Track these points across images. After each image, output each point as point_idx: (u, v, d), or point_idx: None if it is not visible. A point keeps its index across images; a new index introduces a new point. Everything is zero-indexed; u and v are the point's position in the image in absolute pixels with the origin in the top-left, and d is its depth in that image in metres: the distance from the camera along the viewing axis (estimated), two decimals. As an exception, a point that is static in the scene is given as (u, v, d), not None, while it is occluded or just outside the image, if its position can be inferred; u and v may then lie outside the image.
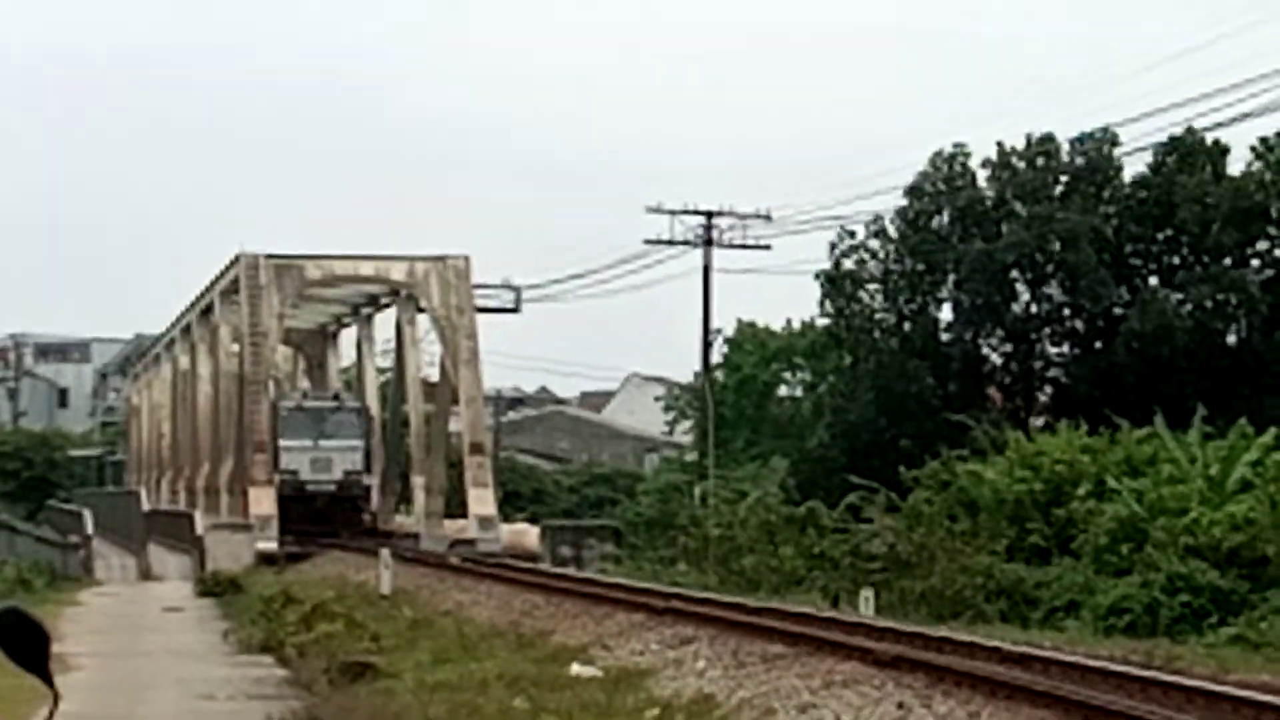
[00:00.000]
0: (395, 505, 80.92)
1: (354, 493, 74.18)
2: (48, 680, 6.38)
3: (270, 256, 74.73)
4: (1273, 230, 71.53)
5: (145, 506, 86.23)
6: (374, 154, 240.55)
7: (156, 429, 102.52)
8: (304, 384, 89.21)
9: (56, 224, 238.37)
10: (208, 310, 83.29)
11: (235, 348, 77.78)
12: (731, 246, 77.72)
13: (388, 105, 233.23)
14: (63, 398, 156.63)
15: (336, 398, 78.97)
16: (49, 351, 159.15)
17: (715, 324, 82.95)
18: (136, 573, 69.08)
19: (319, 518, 71.30)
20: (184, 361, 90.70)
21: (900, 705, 23.20)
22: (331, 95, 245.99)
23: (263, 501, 69.68)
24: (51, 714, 6.33)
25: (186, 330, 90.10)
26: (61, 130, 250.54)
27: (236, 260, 75.69)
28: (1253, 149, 71.71)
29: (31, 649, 6.38)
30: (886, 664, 26.29)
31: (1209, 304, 70.26)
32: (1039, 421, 66.75)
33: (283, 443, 72.76)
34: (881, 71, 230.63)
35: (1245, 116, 79.65)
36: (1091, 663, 26.64)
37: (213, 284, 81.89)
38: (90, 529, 73.39)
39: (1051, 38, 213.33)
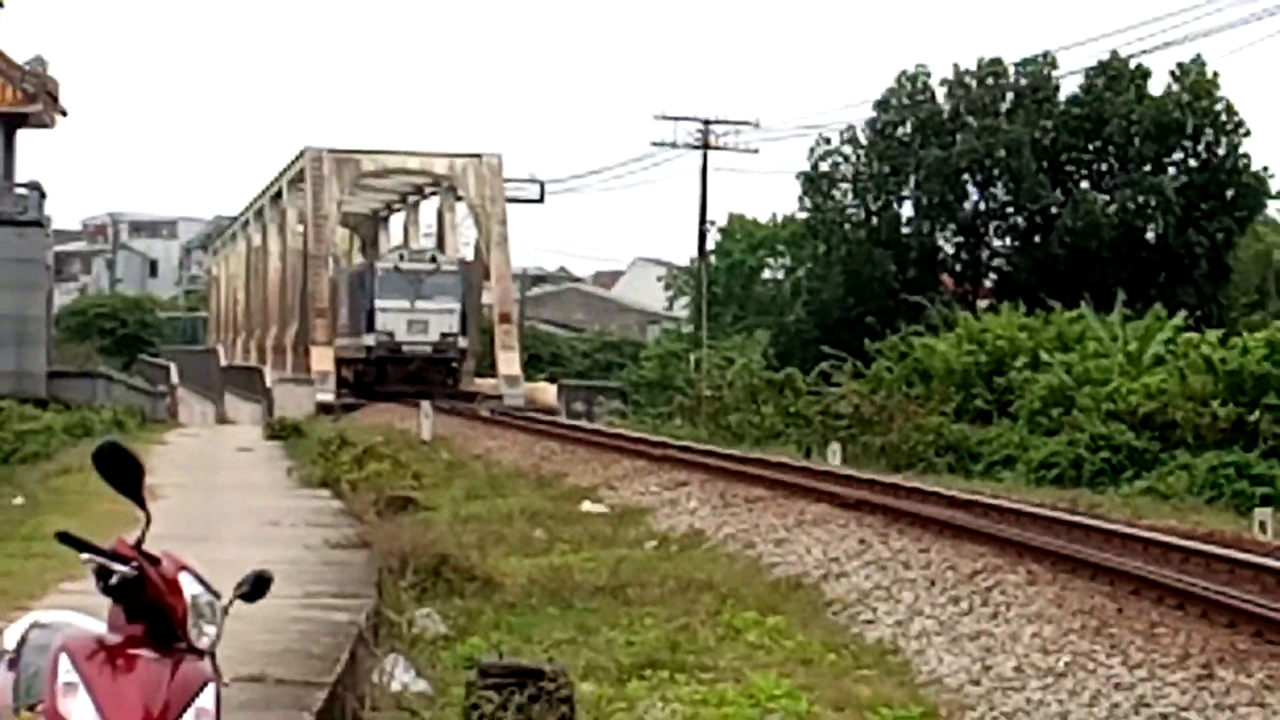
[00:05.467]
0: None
1: (449, 355, 68.39)
2: (141, 504, 6.36)
3: (332, 151, 74.52)
4: (1187, 143, 71.41)
5: (223, 362, 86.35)
6: (425, 65, 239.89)
7: (233, 296, 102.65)
8: (359, 259, 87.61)
9: (148, 114, 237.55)
10: (278, 196, 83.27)
11: (300, 228, 77.49)
12: (724, 149, 77.23)
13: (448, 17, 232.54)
14: (153, 268, 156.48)
15: (433, 260, 71.45)
16: (141, 228, 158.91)
17: (710, 216, 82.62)
18: (214, 418, 69.15)
19: (414, 379, 65.73)
20: (256, 239, 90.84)
21: (861, 541, 23.28)
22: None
23: (322, 359, 69.37)
24: (143, 533, 6.32)
25: (259, 213, 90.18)
26: (154, 31, 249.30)
27: (303, 153, 75.56)
28: (1171, 73, 71.74)
29: (128, 478, 6.35)
30: (850, 506, 26.38)
31: (1131, 205, 70.19)
32: (984, 303, 66.78)
33: (379, 304, 67.47)
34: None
35: (1166, 45, 79.72)
36: (1024, 508, 26.73)
37: (282, 173, 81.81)
38: (176, 380, 73.46)
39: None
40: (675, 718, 13.79)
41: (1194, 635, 15.93)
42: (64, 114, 68.32)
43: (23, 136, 68.12)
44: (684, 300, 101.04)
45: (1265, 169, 72.88)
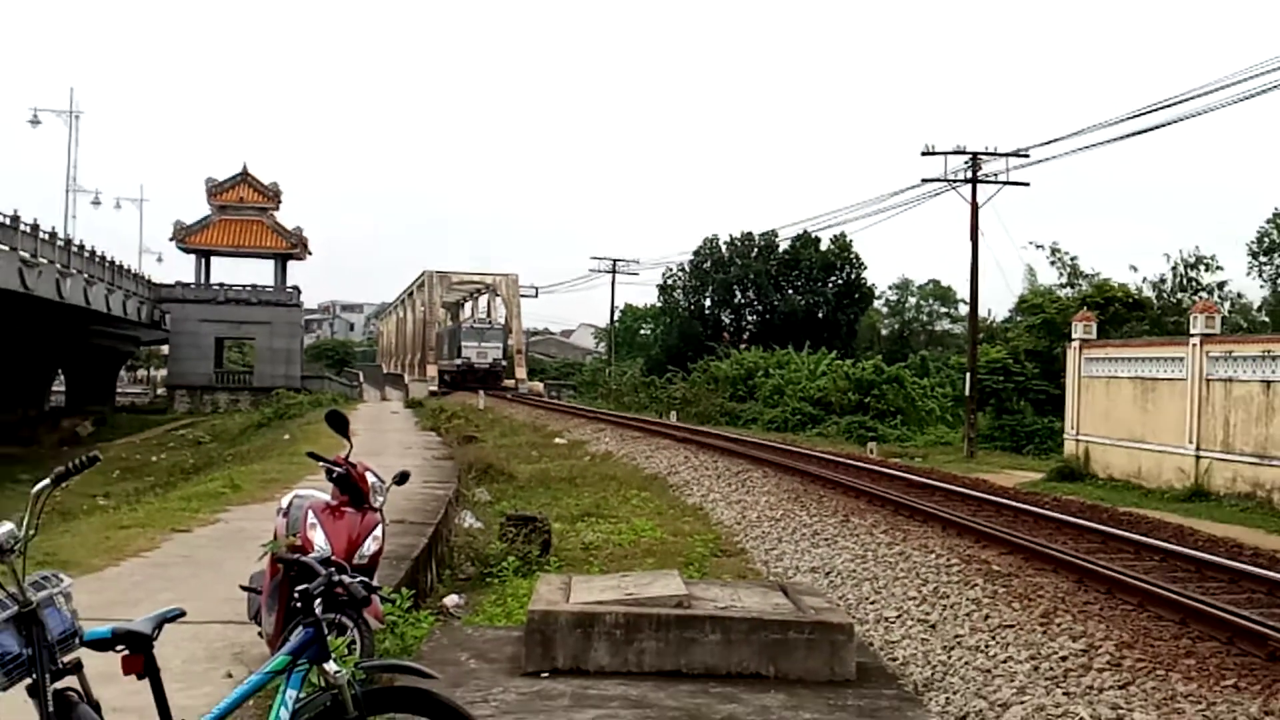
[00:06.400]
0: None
1: (497, 369, 66.77)
2: (348, 438, 6.35)
3: (437, 271, 74.51)
4: (838, 273, 71.91)
5: (384, 371, 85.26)
6: (482, 218, 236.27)
7: (390, 341, 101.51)
8: (451, 323, 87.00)
9: (348, 248, 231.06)
10: (411, 293, 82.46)
11: (422, 309, 76.90)
12: (624, 274, 76.92)
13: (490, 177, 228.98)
14: (351, 327, 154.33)
15: (490, 323, 70.42)
16: (346, 307, 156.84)
17: (617, 303, 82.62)
18: (380, 399, 68.23)
19: (479, 380, 64.05)
20: (402, 314, 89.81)
21: (686, 457, 23.32)
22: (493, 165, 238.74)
23: (432, 371, 69.01)
24: (349, 452, 6.30)
25: (402, 301, 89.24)
26: (345, 180, 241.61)
27: (423, 272, 75.25)
28: (831, 240, 72.19)
29: (341, 426, 6.35)
30: (680, 440, 26.43)
31: (812, 301, 70.62)
32: (744, 346, 66.96)
33: (463, 344, 66.18)
34: (685, 191, 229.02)
35: (827, 226, 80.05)
36: (762, 442, 26.89)
37: (413, 283, 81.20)
38: (361, 380, 72.52)
39: (756, 180, 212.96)
40: (599, 538, 13.80)
41: (840, 502, 16.10)
42: (310, 253, 67.55)
43: (291, 266, 67.33)
44: (603, 345, 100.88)
45: (874, 285, 74.16)
